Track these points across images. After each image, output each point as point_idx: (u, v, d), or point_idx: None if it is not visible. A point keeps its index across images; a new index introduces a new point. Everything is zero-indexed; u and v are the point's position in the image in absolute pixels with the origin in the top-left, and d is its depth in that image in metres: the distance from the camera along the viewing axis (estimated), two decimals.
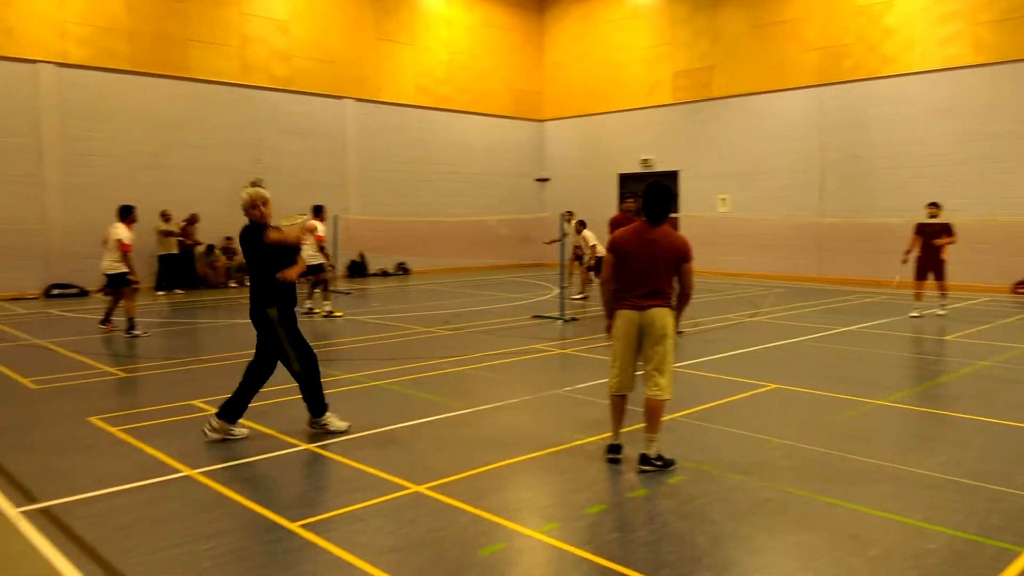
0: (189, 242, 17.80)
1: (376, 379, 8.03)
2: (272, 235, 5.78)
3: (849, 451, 5.55)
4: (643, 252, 5.17)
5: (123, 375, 8.48)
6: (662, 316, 5.15)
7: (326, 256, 13.16)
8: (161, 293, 16.94)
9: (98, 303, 15.37)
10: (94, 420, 6.42)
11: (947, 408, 7.08)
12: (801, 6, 19.87)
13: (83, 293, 16.61)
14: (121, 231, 11.09)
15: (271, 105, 19.91)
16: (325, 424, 5.96)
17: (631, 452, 5.41)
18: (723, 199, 21.64)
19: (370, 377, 8.10)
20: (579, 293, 15.88)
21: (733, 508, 4.50)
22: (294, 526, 4.25)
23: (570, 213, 16.02)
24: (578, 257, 16.26)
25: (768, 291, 16.91)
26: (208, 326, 12.92)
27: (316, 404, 5.96)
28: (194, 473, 5.11)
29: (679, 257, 5.19)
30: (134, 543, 4.03)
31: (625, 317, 5.23)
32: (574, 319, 12.42)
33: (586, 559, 3.85)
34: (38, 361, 9.34)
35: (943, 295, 12.95)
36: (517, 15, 25.43)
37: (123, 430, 6.12)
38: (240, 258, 19.07)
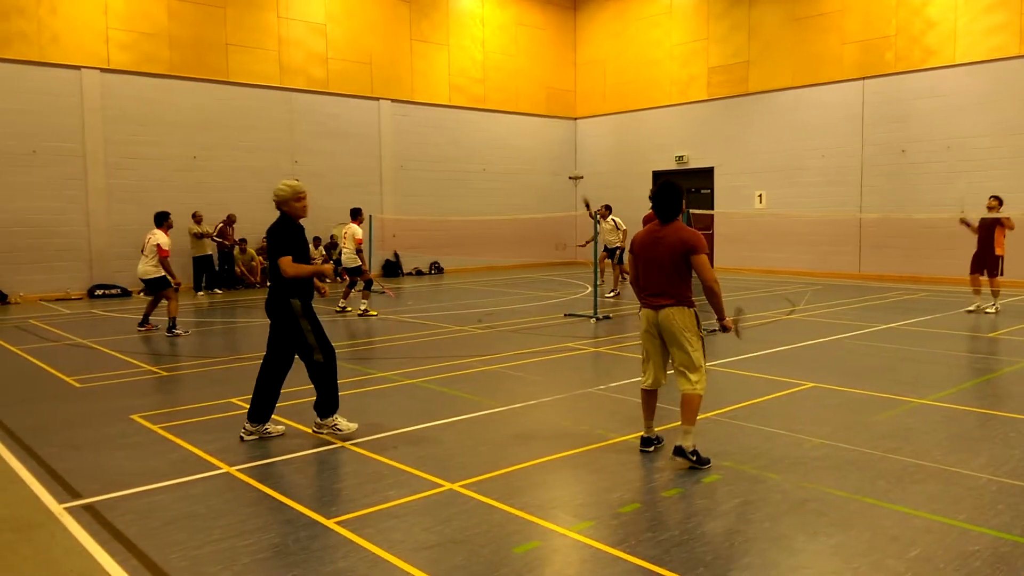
0: (228, 243, 18.10)
1: (410, 377, 8.08)
2: (289, 270, 5.72)
3: (890, 451, 5.44)
4: (651, 251, 5.23)
5: (164, 374, 8.66)
6: (673, 315, 5.15)
7: (362, 259, 13.26)
8: (201, 293, 17.25)
9: (140, 303, 15.71)
10: (136, 418, 6.56)
11: (991, 407, 6.90)
12: None
13: (126, 293, 16.99)
14: (160, 237, 11.30)
15: (308, 107, 20.16)
16: (334, 424, 5.88)
17: (668, 451, 5.38)
18: (760, 195, 21.36)
19: (404, 376, 8.15)
20: (611, 291, 15.83)
21: (771, 508, 4.44)
22: (330, 523, 4.29)
23: (607, 207, 15.96)
24: (610, 254, 16.20)
25: (806, 288, 16.64)
26: (246, 325, 13.13)
27: (329, 402, 5.89)
28: (233, 470, 5.19)
29: (686, 251, 5.12)
30: (175, 539, 4.11)
31: (644, 315, 5.36)
32: (607, 317, 12.36)
33: (620, 558, 3.83)
34: (82, 360, 9.58)
35: (994, 292, 12.62)
36: (550, 13, 25.39)
37: (164, 427, 6.25)
38: None
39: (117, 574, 3.72)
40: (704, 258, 5.13)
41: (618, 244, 15.84)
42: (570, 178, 26.19)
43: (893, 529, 4.13)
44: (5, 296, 15.85)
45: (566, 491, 4.89)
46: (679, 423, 5.23)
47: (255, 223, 18.94)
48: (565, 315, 12.87)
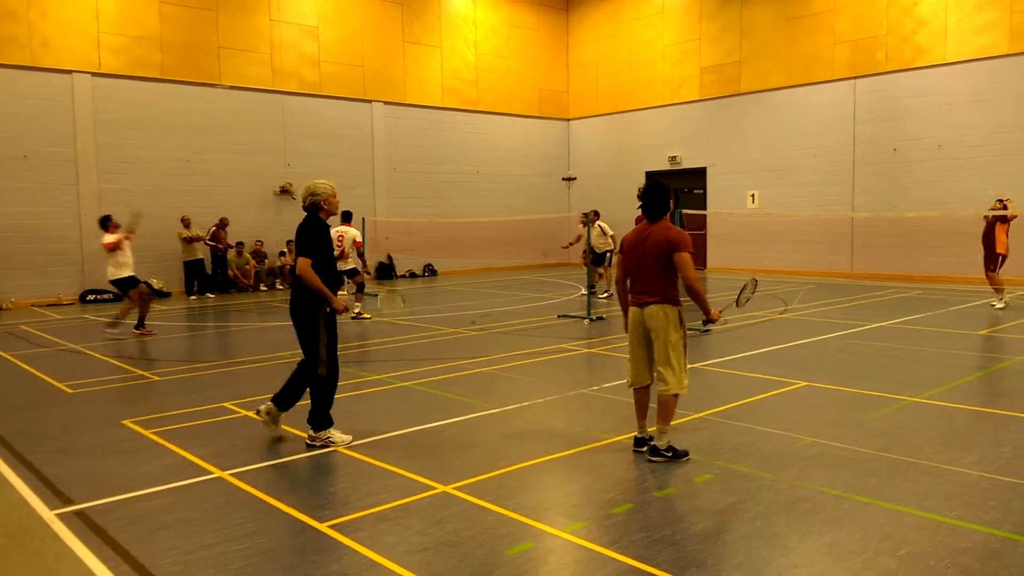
0: (221, 246, 18.06)
1: (404, 380, 8.08)
2: (305, 273, 5.66)
3: (882, 449, 5.46)
4: (639, 249, 5.30)
5: (156, 379, 8.64)
6: (657, 313, 5.20)
7: (364, 262, 13.36)
8: (193, 298, 17.21)
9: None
10: (128, 423, 6.54)
11: (982, 404, 6.93)
12: None
13: (117, 298, 16.86)
14: (106, 238, 11.59)
15: (301, 110, 20.14)
16: (327, 438, 5.78)
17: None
18: (752, 195, 21.41)
19: (398, 378, 8.14)
20: (605, 292, 15.85)
21: (763, 507, 4.45)
22: (323, 526, 4.29)
23: (595, 213, 16.03)
24: (598, 260, 16.20)
25: (799, 288, 16.69)
26: (239, 330, 13.10)
27: (322, 417, 5.80)
28: (226, 475, 5.18)
29: (670, 249, 5.15)
30: (167, 544, 4.10)
31: (630, 314, 5.43)
32: (600, 318, 12.37)
33: (613, 559, 3.83)
34: (74, 366, 9.54)
35: (997, 289, 12.88)
36: (543, 15, 25.42)
37: (156, 432, 6.23)
38: (271, 262, 19.33)
39: None
40: (686, 256, 5.15)
41: (608, 248, 15.88)
42: (563, 179, 26.22)
43: (885, 527, 4.15)
44: None
45: (559, 492, 4.90)
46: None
47: (248, 226, 18.96)
48: (558, 316, 12.88)
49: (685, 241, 5.18)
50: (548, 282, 19.54)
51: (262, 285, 18.90)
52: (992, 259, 12.76)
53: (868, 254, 19.20)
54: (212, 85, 18.57)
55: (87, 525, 4.36)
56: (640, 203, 5.38)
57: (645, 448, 5.45)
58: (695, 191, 22.62)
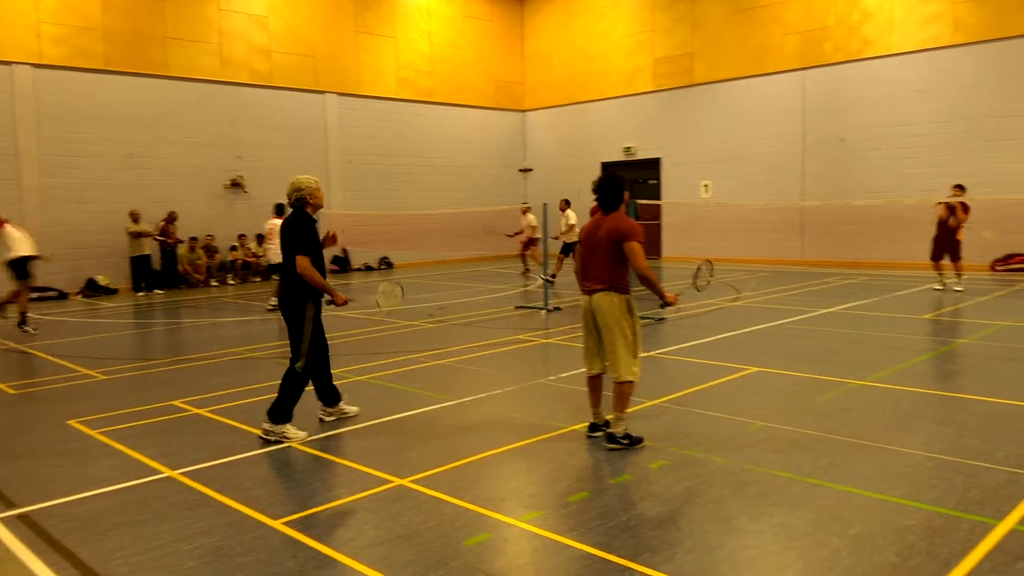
0: (170, 241, 17.66)
1: (359, 374, 8.01)
2: (305, 271, 5.71)
3: (831, 431, 5.59)
4: (592, 239, 5.40)
5: (103, 377, 8.41)
6: (602, 300, 5.28)
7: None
8: (141, 294, 16.81)
9: (78, 306, 15.27)
10: (74, 423, 6.37)
11: (926, 387, 7.14)
12: None
13: (62, 296, 16.45)
14: None
15: (251, 101, 19.76)
16: (283, 432, 5.72)
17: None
18: (706, 185, 21.69)
19: (353, 372, 8.07)
20: (551, 274, 16.31)
21: (716, 491, 4.53)
22: (277, 523, 4.23)
23: (566, 202, 16.75)
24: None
25: (751, 276, 16.98)
26: (190, 326, 12.84)
27: (284, 410, 5.74)
28: (176, 474, 5.08)
29: (620, 238, 5.22)
30: (116, 545, 4.01)
31: (582, 303, 5.52)
32: (557, 308, 12.43)
33: (570, 546, 3.86)
34: (17, 366, 9.26)
35: (959, 274, 13.36)
36: (497, 5, 25.33)
37: (104, 433, 6.07)
38: (222, 256, 18.98)
39: None
40: (635, 246, 5.20)
41: (575, 240, 16.09)
42: (520, 171, 26.23)
43: (834, 507, 4.25)
44: None
45: (516, 482, 4.91)
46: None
47: (197, 220, 18.57)
48: (516, 307, 12.89)
49: (635, 231, 5.24)
50: (505, 273, 19.54)
51: (213, 280, 18.53)
52: (953, 246, 13.18)
53: (817, 242, 19.62)
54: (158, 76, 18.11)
55: (31, 529, 4.24)
56: (594, 194, 5.43)
57: (599, 434, 5.53)
58: (649, 181, 22.82)
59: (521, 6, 25.98)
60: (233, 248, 19.07)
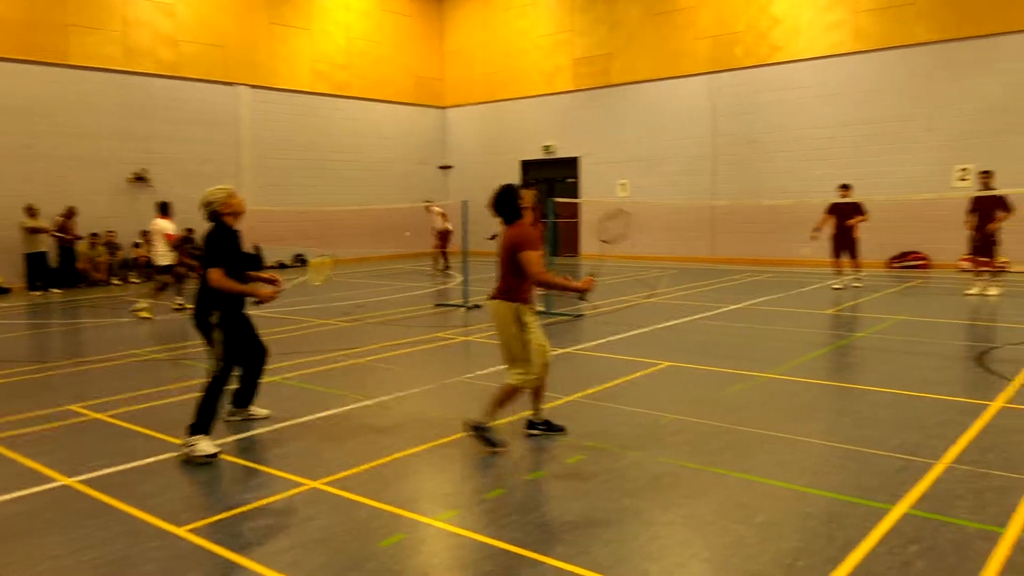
0: (68, 237, 16.78)
1: (272, 375, 7.77)
2: (218, 284, 5.39)
3: (737, 423, 5.79)
4: (498, 249, 5.47)
5: None
6: (497, 308, 5.36)
7: (178, 255, 12.84)
8: (36, 293, 15.90)
9: None
10: None
11: (826, 378, 7.48)
12: None
13: None
14: None
15: (159, 92, 18.98)
16: (193, 445, 5.27)
17: (536, 438, 5.50)
18: (623, 184, 22.10)
19: (267, 373, 7.84)
20: (444, 267, 17.91)
21: (629, 484, 4.62)
22: (181, 531, 4.08)
23: (429, 202, 18.00)
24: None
25: (663, 273, 17.41)
26: (90, 326, 12.23)
27: (205, 420, 5.36)
28: (73, 482, 4.83)
29: (514, 248, 5.25)
30: (9, 559, 3.78)
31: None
32: (477, 306, 12.43)
33: (485, 543, 3.87)
34: None
35: (857, 270, 14.05)
36: (416, 1, 25.11)
37: None
38: (123, 253, 18.19)
39: None
40: (528, 255, 5.17)
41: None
42: (440, 167, 26.10)
43: (740, 496, 4.40)
44: None
45: (432, 481, 4.88)
46: (540, 406, 5.50)
47: (97, 216, 17.73)
48: (435, 305, 12.83)
49: (526, 240, 5.22)
50: (425, 271, 19.42)
51: (115, 278, 17.71)
52: (851, 243, 13.90)
53: (727, 240, 20.28)
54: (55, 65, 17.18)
55: None
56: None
57: (537, 431, 5.59)
58: (568, 180, 23.09)
59: (440, 2, 25.84)
60: (136, 245, 18.26)
